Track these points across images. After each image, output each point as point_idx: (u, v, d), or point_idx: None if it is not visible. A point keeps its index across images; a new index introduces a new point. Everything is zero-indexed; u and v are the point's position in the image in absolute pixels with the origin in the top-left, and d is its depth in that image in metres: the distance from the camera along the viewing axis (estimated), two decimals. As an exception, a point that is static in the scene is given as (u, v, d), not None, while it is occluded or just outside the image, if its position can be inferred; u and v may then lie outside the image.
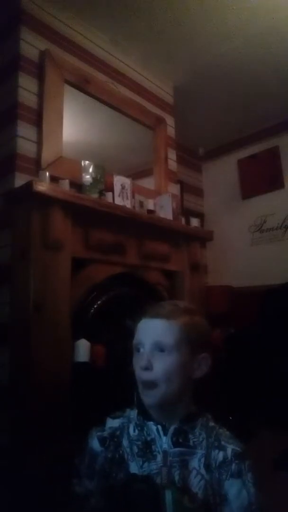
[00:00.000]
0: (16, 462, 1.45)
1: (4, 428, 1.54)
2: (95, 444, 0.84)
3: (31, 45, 1.90)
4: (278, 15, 2.14)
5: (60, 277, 1.65)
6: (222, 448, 0.79)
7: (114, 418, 0.87)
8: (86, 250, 1.82)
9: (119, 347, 1.87)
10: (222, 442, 0.80)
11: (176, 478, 0.76)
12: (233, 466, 0.77)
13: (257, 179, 3.35)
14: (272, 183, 3.26)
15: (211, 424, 0.84)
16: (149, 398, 0.79)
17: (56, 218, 1.64)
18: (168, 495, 0.74)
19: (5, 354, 1.61)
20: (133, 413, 0.86)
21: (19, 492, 1.36)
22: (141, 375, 0.79)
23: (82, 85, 2.09)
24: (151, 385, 0.78)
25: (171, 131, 2.73)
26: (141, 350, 0.81)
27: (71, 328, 1.66)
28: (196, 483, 0.76)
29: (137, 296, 2.08)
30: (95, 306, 1.85)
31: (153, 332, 0.81)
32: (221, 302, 2.79)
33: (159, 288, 2.26)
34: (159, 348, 0.79)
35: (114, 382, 1.75)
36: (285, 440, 1.95)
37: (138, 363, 0.80)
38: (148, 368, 0.78)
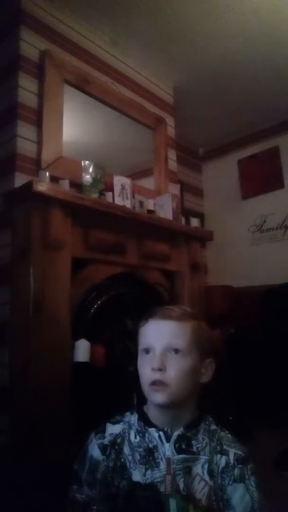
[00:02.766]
0: (16, 463, 1.45)
1: (4, 428, 1.54)
2: (95, 452, 0.81)
3: (31, 45, 1.90)
4: (278, 15, 2.14)
5: (60, 277, 1.65)
6: (224, 452, 0.78)
7: (114, 423, 0.84)
8: (86, 250, 1.82)
9: (119, 347, 1.87)
10: (225, 447, 0.79)
11: (181, 486, 0.74)
12: (236, 471, 0.76)
13: (257, 179, 3.35)
14: (272, 183, 3.26)
15: (213, 427, 0.82)
16: (158, 397, 0.76)
17: (56, 218, 1.64)
18: (173, 504, 0.73)
19: (5, 354, 1.61)
20: (133, 418, 0.83)
21: (18, 494, 1.36)
22: (152, 375, 0.76)
23: (82, 85, 2.09)
24: (161, 384, 0.76)
25: (171, 131, 2.73)
26: (151, 351, 0.78)
27: (71, 328, 1.66)
28: (199, 490, 0.75)
29: (137, 296, 2.08)
30: (95, 306, 1.85)
31: (166, 333, 0.79)
32: (221, 302, 2.79)
33: (159, 288, 2.26)
34: (173, 349, 0.77)
35: (114, 382, 1.75)
36: (285, 440, 1.96)
37: (149, 364, 0.78)
38: (161, 369, 0.76)
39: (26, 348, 1.51)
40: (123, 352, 1.85)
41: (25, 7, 1.90)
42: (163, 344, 0.78)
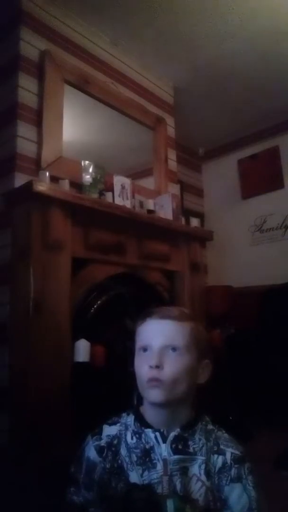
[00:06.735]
0: (16, 463, 1.44)
1: (4, 428, 1.54)
2: (92, 454, 0.81)
3: (31, 45, 1.90)
4: (278, 15, 2.14)
5: (60, 277, 1.65)
6: (221, 452, 0.78)
7: (110, 424, 0.84)
8: (86, 250, 1.82)
9: (119, 347, 1.87)
10: (221, 446, 0.79)
11: (178, 486, 0.74)
12: (233, 470, 0.76)
13: (257, 179, 3.35)
14: (272, 183, 3.26)
15: (210, 427, 0.82)
16: (154, 395, 0.76)
17: (56, 218, 1.64)
18: (170, 505, 0.73)
19: (5, 354, 1.61)
20: (129, 419, 0.83)
21: (18, 494, 1.35)
22: (149, 373, 0.76)
23: (82, 85, 2.09)
24: (157, 381, 0.75)
25: (171, 131, 2.73)
26: (149, 350, 0.78)
27: (71, 328, 1.66)
28: (196, 490, 0.75)
29: (137, 296, 2.08)
30: (95, 306, 1.85)
31: (164, 332, 0.79)
32: (221, 302, 2.79)
33: (159, 288, 2.26)
34: (171, 347, 0.77)
35: (114, 382, 1.75)
36: (285, 440, 1.96)
37: (146, 362, 0.77)
38: (158, 366, 0.75)
39: (26, 348, 1.51)
40: (123, 352, 1.85)
41: (25, 7, 1.90)
42: (161, 343, 0.78)
